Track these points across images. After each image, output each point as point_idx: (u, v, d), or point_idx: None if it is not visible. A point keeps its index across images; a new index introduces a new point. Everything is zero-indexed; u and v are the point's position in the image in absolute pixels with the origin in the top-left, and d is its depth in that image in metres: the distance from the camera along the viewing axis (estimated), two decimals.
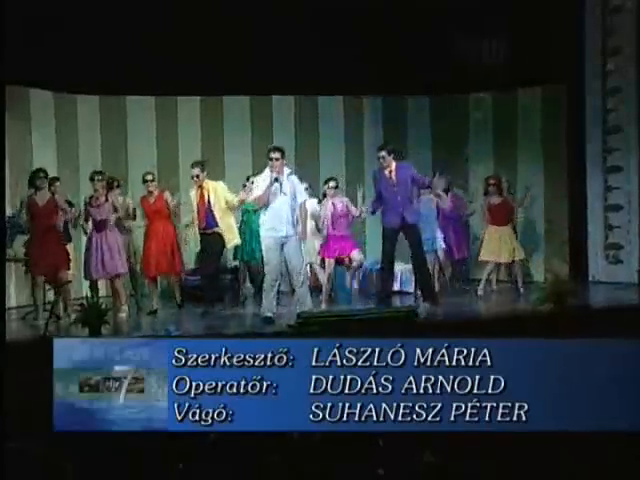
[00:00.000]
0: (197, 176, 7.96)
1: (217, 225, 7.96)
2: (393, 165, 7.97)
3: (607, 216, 9.59)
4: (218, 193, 7.96)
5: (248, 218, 8.75)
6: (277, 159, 7.18)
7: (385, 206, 8.03)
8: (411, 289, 9.06)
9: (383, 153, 7.98)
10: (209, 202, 7.92)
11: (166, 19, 9.14)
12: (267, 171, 7.27)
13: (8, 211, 7.63)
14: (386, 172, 7.99)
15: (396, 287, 9.12)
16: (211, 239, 8.00)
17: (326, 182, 8.52)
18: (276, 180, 7.17)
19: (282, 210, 7.20)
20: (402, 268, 9.09)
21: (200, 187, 7.98)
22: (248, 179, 7.76)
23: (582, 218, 9.76)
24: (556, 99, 10.04)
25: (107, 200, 7.91)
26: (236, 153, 10.14)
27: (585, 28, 9.61)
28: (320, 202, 8.55)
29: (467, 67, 9.90)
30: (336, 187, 8.46)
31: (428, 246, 8.62)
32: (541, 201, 10.07)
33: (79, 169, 9.61)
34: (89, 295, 7.58)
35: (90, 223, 7.96)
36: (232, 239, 8.16)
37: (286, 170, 7.31)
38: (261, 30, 9.44)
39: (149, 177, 8.33)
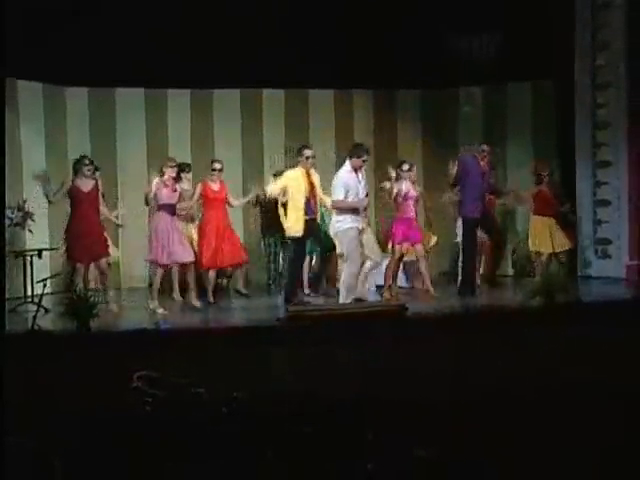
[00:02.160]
0: (314, 157, 8.00)
1: (315, 213, 7.98)
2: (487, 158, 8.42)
3: (596, 211, 9.63)
4: (315, 177, 7.98)
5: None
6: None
7: (471, 195, 8.23)
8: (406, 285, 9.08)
9: (488, 148, 8.49)
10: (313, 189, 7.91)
11: (156, 11, 9.08)
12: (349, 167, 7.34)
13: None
14: (480, 163, 8.36)
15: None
16: (313, 225, 7.98)
17: (400, 165, 8.47)
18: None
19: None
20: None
21: (308, 172, 7.91)
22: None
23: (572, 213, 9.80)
24: (546, 94, 10.06)
25: (177, 186, 7.85)
26: (226, 146, 10.11)
27: (575, 23, 9.63)
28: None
29: (457, 62, 9.90)
30: (409, 169, 8.43)
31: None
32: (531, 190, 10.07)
33: (68, 161, 9.55)
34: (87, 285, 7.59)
35: (155, 207, 7.85)
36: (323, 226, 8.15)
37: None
38: (252, 24, 9.40)
39: (217, 165, 8.28)
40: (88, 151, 9.69)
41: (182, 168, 8.32)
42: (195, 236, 8.43)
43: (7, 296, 8.34)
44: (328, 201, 7.77)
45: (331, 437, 3.63)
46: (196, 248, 8.24)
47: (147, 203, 7.92)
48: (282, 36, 9.43)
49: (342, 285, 7.26)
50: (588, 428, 3.80)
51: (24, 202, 8.68)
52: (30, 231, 8.79)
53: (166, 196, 7.73)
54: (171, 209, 7.77)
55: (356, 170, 7.33)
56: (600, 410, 4.05)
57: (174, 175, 7.80)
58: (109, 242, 8.04)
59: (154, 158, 9.69)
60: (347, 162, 7.37)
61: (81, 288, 7.29)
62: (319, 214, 8.18)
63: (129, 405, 4.10)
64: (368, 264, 7.65)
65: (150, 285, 8.10)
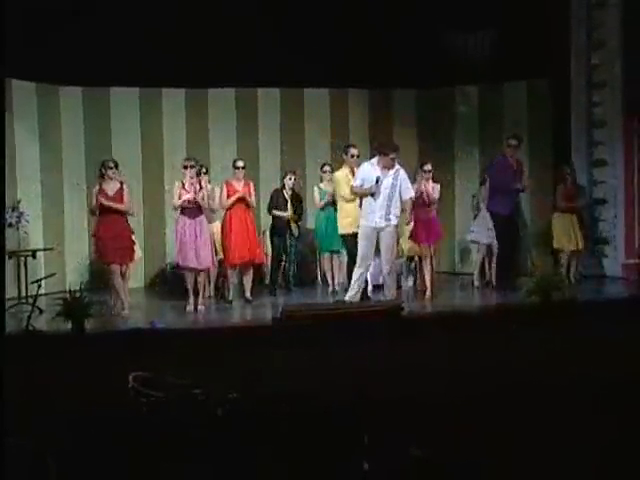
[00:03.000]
0: (358, 156, 8.05)
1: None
2: (516, 156, 8.35)
3: (592, 210, 9.62)
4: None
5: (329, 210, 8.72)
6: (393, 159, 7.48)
7: (501, 193, 8.25)
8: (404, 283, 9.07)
9: (514, 142, 8.34)
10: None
11: (151, 11, 9.05)
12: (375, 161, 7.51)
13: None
14: (510, 159, 8.29)
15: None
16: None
17: (422, 165, 8.51)
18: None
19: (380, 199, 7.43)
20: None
21: (352, 170, 7.96)
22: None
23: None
24: (541, 93, 10.06)
25: (201, 187, 7.76)
26: (221, 145, 10.08)
27: (570, 22, 9.63)
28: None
29: (453, 61, 9.89)
30: (430, 171, 8.47)
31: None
32: (527, 195, 10.08)
33: (62, 160, 9.52)
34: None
35: (178, 210, 7.76)
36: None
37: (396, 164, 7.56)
38: (247, 23, 9.38)
39: (240, 164, 8.26)
40: (82, 151, 9.68)
41: (200, 169, 8.20)
42: (217, 236, 8.36)
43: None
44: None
45: (327, 437, 3.62)
46: (219, 247, 8.26)
47: (175, 207, 7.86)
48: (277, 35, 9.40)
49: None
50: (586, 427, 3.78)
51: (18, 202, 8.64)
52: (25, 233, 8.75)
53: (185, 198, 7.67)
54: (192, 212, 7.68)
55: (386, 167, 7.42)
56: (598, 408, 4.04)
57: (193, 177, 7.72)
58: (136, 246, 8.00)
59: (149, 157, 9.67)
60: (375, 158, 7.62)
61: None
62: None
63: (125, 405, 4.08)
64: (385, 267, 7.56)
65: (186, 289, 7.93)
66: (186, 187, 7.68)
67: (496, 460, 3.41)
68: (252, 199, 8.30)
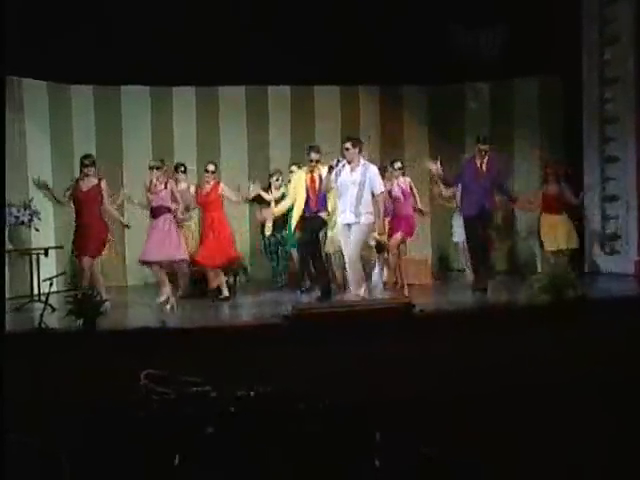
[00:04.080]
0: (317, 161, 8.01)
1: (325, 209, 8.01)
2: (486, 158, 8.11)
3: (604, 207, 9.57)
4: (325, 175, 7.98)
5: None
6: (348, 148, 7.38)
7: (468, 195, 8.16)
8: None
9: (484, 147, 8.12)
10: (320, 186, 7.93)
11: (161, 9, 9.06)
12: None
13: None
14: (477, 162, 8.13)
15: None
16: (315, 222, 8.03)
17: (392, 163, 8.51)
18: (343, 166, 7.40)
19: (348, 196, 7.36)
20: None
21: (312, 171, 8.00)
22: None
23: (579, 209, 9.74)
24: (553, 89, 10.01)
25: (166, 188, 7.92)
26: (231, 143, 10.10)
27: (582, 18, 9.58)
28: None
29: (464, 58, 9.85)
30: (401, 168, 8.48)
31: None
32: (538, 192, 10.04)
33: (74, 159, 9.55)
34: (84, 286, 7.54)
35: (147, 209, 7.97)
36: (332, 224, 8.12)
37: (362, 159, 7.47)
38: (257, 21, 9.38)
39: (211, 167, 8.32)
40: (93, 149, 9.71)
41: (178, 169, 8.42)
42: (191, 235, 8.52)
43: (14, 295, 8.40)
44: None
45: (338, 435, 3.62)
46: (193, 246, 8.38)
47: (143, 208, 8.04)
48: (288, 33, 9.40)
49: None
50: (596, 426, 3.77)
51: (30, 201, 8.68)
52: (37, 229, 8.79)
53: (151, 199, 7.87)
54: (157, 211, 7.86)
55: (349, 162, 7.39)
56: (608, 407, 4.03)
57: (157, 178, 7.87)
58: (109, 243, 8.00)
59: (160, 155, 9.67)
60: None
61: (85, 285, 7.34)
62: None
63: (136, 403, 4.09)
64: (347, 260, 7.48)
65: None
66: (150, 188, 7.86)
67: (507, 460, 3.40)
68: (236, 197, 8.33)
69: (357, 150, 7.42)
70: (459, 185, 8.42)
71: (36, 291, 8.30)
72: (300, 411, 3.92)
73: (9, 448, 3.41)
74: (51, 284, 7.33)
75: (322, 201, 8.00)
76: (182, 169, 8.56)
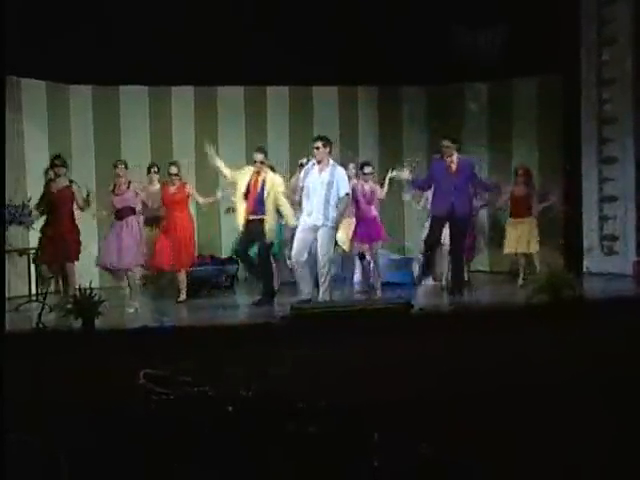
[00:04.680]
0: (262, 162, 7.94)
1: (264, 213, 7.91)
2: (455, 156, 8.04)
3: (602, 207, 9.58)
4: (275, 182, 7.96)
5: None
6: (318, 147, 7.30)
7: (437, 194, 8.10)
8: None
9: (447, 142, 8.07)
10: (262, 189, 7.87)
11: (160, 9, 9.06)
12: (310, 162, 7.37)
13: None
14: (447, 161, 8.07)
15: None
16: (255, 225, 7.93)
17: (362, 167, 8.45)
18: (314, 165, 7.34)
19: (316, 198, 7.32)
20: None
21: (258, 173, 7.93)
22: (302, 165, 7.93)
23: (577, 209, 9.75)
24: (552, 90, 10.02)
25: (129, 188, 7.87)
26: (230, 143, 10.09)
27: (581, 18, 9.59)
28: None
29: (462, 58, 9.86)
30: (372, 172, 8.46)
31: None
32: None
33: (72, 159, 9.54)
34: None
35: (110, 211, 7.91)
36: (272, 227, 8.06)
37: (330, 160, 7.40)
38: (256, 21, 9.38)
39: (173, 169, 8.32)
40: (92, 149, 9.71)
41: (150, 170, 8.39)
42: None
43: (12, 295, 8.39)
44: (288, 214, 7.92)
45: (336, 435, 3.62)
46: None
47: (88, 204, 7.85)
48: (286, 33, 9.40)
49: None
50: (595, 425, 3.77)
51: (29, 200, 8.66)
52: (35, 229, 8.77)
53: (114, 201, 7.83)
54: (119, 214, 7.81)
55: (319, 162, 7.38)
56: (605, 408, 4.03)
57: (125, 180, 7.84)
58: (82, 247, 7.89)
59: (158, 156, 9.68)
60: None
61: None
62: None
63: (135, 403, 4.09)
64: (321, 262, 7.44)
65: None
66: (114, 189, 7.82)
67: (504, 460, 3.41)
68: (202, 199, 8.35)
69: (327, 150, 7.38)
70: (431, 187, 8.29)
71: (34, 291, 8.29)
72: (298, 411, 3.92)
73: (9, 448, 3.41)
74: (49, 285, 7.34)
75: (260, 204, 7.89)
76: (155, 169, 8.50)
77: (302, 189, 7.44)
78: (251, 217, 7.86)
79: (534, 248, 9.02)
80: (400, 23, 9.69)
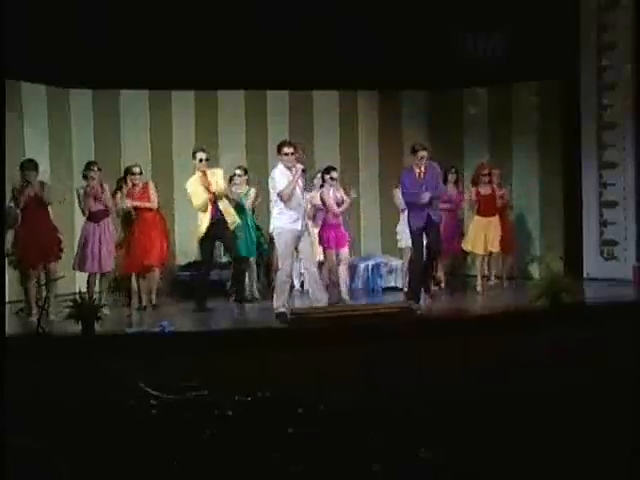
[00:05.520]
0: (207, 159, 7.95)
1: (221, 214, 7.93)
2: (423, 166, 7.82)
3: (602, 212, 9.59)
4: (219, 179, 7.96)
5: (244, 213, 8.65)
6: (292, 153, 7.20)
7: (412, 206, 7.88)
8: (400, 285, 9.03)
9: (424, 153, 7.79)
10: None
11: (160, 13, 9.08)
12: (281, 165, 7.23)
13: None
14: (416, 171, 7.83)
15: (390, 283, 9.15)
16: (218, 225, 7.93)
17: (328, 171, 8.39)
18: (304, 171, 7.26)
19: (300, 204, 7.23)
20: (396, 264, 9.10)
21: (204, 173, 7.94)
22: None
23: (577, 214, 9.76)
24: (552, 95, 10.04)
25: (104, 191, 7.81)
26: (230, 147, 10.10)
27: (581, 24, 9.60)
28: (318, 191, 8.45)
29: (463, 62, 9.87)
30: (336, 179, 8.40)
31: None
32: (536, 197, 10.08)
33: (72, 163, 9.55)
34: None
35: (86, 214, 7.83)
36: (234, 221, 8.06)
37: (299, 164, 7.32)
38: (256, 25, 9.39)
39: (136, 170, 8.27)
40: (92, 153, 9.71)
41: (128, 172, 8.30)
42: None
43: (12, 299, 8.38)
44: (229, 211, 7.95)
45: (336, 439, 3.62)
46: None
47: (84, 214, 7.87)
48: (286, 37, 9.41)
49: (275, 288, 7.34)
50: (594, 430, 3.77)
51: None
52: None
53: (92, 204, 7.73)
54: (96, 217, 7.73)
55: (289, 168, 7.25)
56: (606, 414, 4.03)
57: (98, 182, 7.76)
58: (63, 246, 7.86)
59: (159, 159, 9.69)
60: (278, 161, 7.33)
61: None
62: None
63: (134, 407, 4.09)
64: (312, 267, 7.37)
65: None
66: (89, 192, 7.71)
67: (501, 465, 3.40)
68: (154, 201, 8.25)
69: (297, 155, 7.30)
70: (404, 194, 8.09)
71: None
72: (298, 415, 3.92)
73: (8, 451, 3.41)
74: (47, 289, 7.33)
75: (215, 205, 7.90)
76: (137, 170, 8.39)
77: (286, 196, 7.20)
78: (215, 220, 7.89)
79: (496, 247, 9.01)
80: (399, 28, 9.70)
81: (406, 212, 8.22)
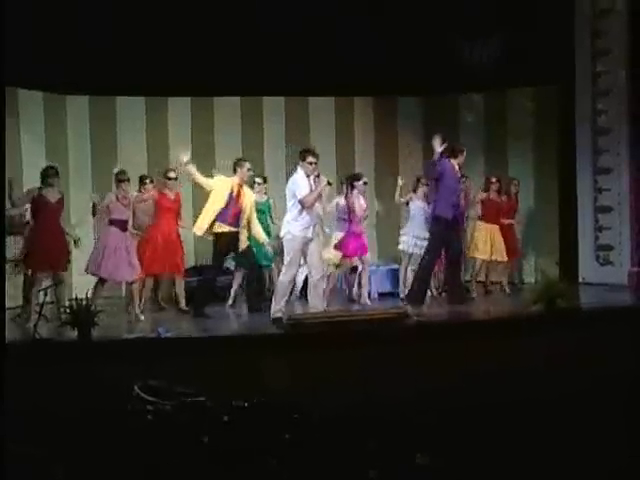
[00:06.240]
0: (248, 169, 7.99)
1: (239, 225, 7.94)
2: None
3: (597, 217, 9.63)
4: (251, 197, 8.03)
5: (265, 221, 8.62)
6: (315, 163, 7.26)
7: (444, 197, 8.10)
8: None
9: (462, 159, 8.24)
10: (242, 202, 7.91)
11: (156, 20, 9.10)
12: (302, 172, 7.25)
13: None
14: (456, 165, 8.20)
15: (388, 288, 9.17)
16: (231, 238, 7.93)
17: (357, 178, 8.47)
18: (329, 183, 7.33)
19: (316, 213, 7.30)
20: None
21: (240, 186, 7.97)
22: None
23: (572, 219, 9.79)
24: (547, 100, 10.08)
25: (130, 202, 7.85)
26: (226, 153, 10.12)
27: (575, 30, 9.65)
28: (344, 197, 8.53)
29: (459, 68, 9.91)
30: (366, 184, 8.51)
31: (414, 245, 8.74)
32: (531, 202, 10.11)
33: (68, 169, 9.56)
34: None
35: (106, 222, 7.82)
36: (244, 241, 8.06)
37: (323, 177, 7.38)
38: (252, 32, 9.42)
39: (172, 174, 8.42)
40: (88, 160, 9.74)
41: (143, 181, 8.38)
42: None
43: (8, 305, 8.37)
44: (258, 230, 8.05)
45: (332, 444, 3.63)
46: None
47: (94, 214, 7.88)
48: (282, 43, 9.43)
49: (275, 292, 7.36)
50: (589, 435, 3.79)
51: (26, 210, 8.67)
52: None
53: (119, 211, 7.75)
54: (123, 225, 7.76)
55: (308, 175, 7.28)
56: (602, 417, 4.04)
57: (128, 191, 7.83)
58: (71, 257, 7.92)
59: (155, 166, 9.70)
60: (299, 168, 7.33)
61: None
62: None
63: (130, 413, 4.09)
64: (316, 275, 7.33)
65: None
66: (122, 201, 7.75)
67: (500, 468, 3.42)
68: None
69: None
70: (433, 184, 8.35)
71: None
72: (295, 420, 3.93)
73: (7, 457, 3.42)
74: (45, 294, 7.33)
75: (239, 217, 7.92)
76: (148, 180, 8.47)
77: (308, 203, 7.23)
78: (228, 229, 7.88)
79: (501, 255, 9.13)
80: (395, 34, 9.74)
81: (417, 216, 8.50)
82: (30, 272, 7.66)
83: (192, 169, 7.99)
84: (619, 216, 9.43)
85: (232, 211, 7.88)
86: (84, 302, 6.64)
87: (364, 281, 8.48)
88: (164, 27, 9.11)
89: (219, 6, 9.20)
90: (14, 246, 8.09)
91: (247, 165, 8.02)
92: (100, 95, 9.68)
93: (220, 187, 7.94)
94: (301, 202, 7.13)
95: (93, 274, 7.84)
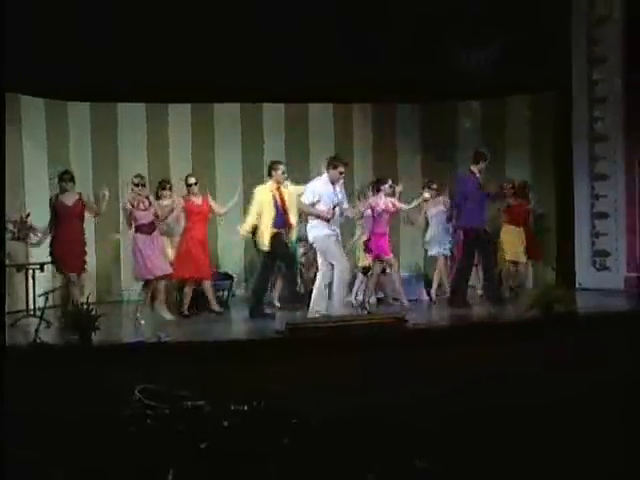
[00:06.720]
0: (283, 172, 8.04)
1: (284, 225, 8.02)
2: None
3: (594, 223, 9.68)
4: (292, 194, 8.06)
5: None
6: (343, 173, 7.40)
7: (471, 208, 8.33)
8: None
9: (484, 165, 8.44)
10: (284, 202, 7.98)
11: (157, 27, 9.15)
12: (327, 178, 7.36)
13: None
14: (478, 176, 8.40)
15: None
16: (279, 239, 8.02)
17: (383, 182, 8.58)
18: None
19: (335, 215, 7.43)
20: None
21: (279, 187, 8.04)
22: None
23: (569, 225, 9.85)
24: (544, 108, 10.14)
25: (151, 204, 7.98)
26: (226, 159, 10.17)
27: (572, 38, 9.72)
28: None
29: (456, 75, 9.97)
30: (392, 186, 8.64)
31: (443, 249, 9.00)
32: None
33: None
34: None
35: (132, 226, 7.97)
36: (291, 239, 8.19)
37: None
38: (251, 38, 9.47)
39: (192, 180, 8.48)
40: (89, 166, 9.78)
41: (163, 185, 8.51)
42: (170, 250, 8.48)
43: (9, 310, 8.42)
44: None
45: (331, 450, 3.66)
46: (172, 259, 8.35)
47: (130, 223, 8.02)
48: (281, 50, 9.49)
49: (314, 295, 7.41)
50: (588, 439, 3.82)
51: (27, 216, 8.72)
52: (32, 244, 8.82)
53: (139, 216, 7.87)
54: (147, 228, 7.88)
55: (333, 182, 7.36)
56: (599, 422, 4.08)
57: (145, 194, 7.94)
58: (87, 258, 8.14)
59: (156, 172, 9.75)
60: (324, 174, 7.41)
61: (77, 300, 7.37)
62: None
63: (130, 417, 4.12)
64: (336, 277, 7.43)
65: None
66: (138, 205, 7.87)
67: (498, 472, 3.45)
68: (223, 208, 8.53)
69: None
70: (458, 198, 8.56)
71: (31, 306, 8.32)
72: (294, 426, 3.97)
73: (7, 460, 3.45)
74: (46, 299, 7.37)
75: (283, 217, 8.00)
76: (167, 186, 8.58)
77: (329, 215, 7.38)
78: (279, 230, 7.97)
79: (522, 257, 9.26)
80: (394, 41, 9.79)
81: (436, 223, 8.80)
82: (65, 274, 7.89)
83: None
84: (615, 222, 9.49)
85: (283, 216, 7.96)
86: (85, 306, 6.69)
87: (398, 284, 8.58)
88: (165, 34, 9.15)
89: (218, 13, 9.26)
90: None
91: (282, 167, 8.06)
92: (101, 102, 9.73)
93: (264, 197, 7.97)
94: (320, 217, 7.29)
95: (137, 279, 8.08)
